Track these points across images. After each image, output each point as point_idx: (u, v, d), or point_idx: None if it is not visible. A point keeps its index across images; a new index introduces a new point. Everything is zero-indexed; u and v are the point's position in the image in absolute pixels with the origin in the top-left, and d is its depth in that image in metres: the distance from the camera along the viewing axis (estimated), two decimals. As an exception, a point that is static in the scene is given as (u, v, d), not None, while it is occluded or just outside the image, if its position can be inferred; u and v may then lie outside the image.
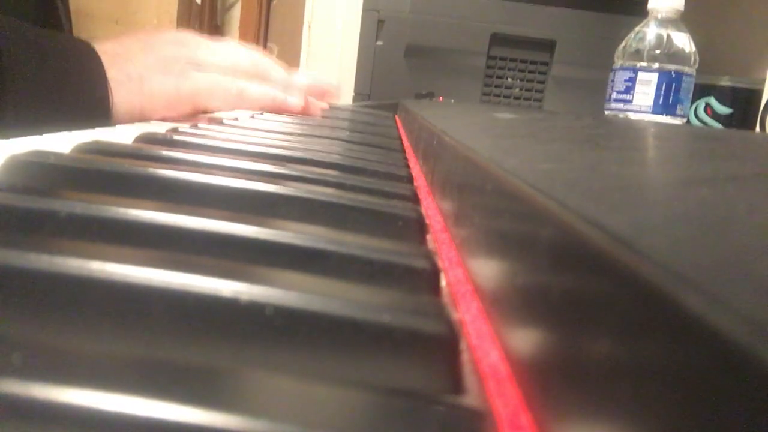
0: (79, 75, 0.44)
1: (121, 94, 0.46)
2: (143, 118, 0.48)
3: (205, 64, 0.51)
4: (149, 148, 0.28)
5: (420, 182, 0.33)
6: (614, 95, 0.94)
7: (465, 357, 0.13)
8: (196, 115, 0.53)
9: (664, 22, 0.90)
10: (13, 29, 0.40)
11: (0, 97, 0.39)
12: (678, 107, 0.90)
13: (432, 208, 0.27)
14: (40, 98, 0.42)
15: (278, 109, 0.56)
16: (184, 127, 0.39)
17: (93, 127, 0.38)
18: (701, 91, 1.04)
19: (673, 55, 0.89)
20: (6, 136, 0.28)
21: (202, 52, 0.52)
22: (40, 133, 0.30)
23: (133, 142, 0.32)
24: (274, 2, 1.79)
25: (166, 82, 0.48)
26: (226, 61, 0.53)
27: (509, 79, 1.14)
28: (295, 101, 0.59)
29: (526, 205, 0.13)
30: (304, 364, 0.12)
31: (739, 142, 0.36)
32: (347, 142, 0.42)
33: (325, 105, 0.71)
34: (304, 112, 0.62)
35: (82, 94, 0.44)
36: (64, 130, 0.34)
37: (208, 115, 0.56)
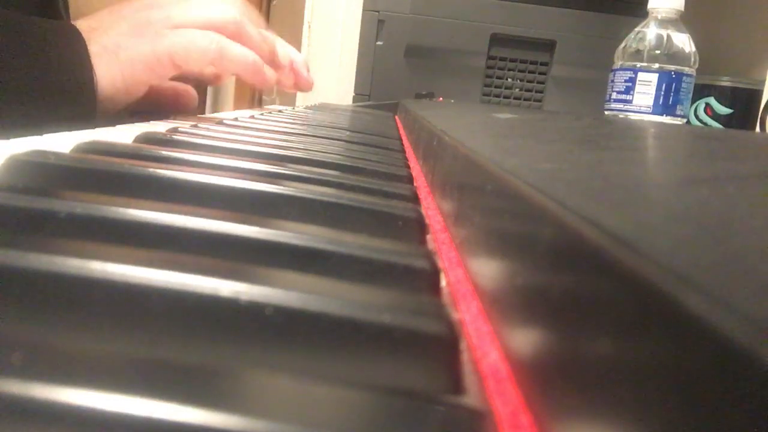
0: (62, 56, 0.44)
1: (100, 67, 0.45)
2: (127, 88, 0.47)
3: (181, 22, 0.49)
4: (149, 148, 0.28)
5: (420, 182, 0.33)
6: (614, 95, 0.94)
7: (465, 357, 0.13)
8: (201, 115, 0.53)
9: (664, 23, 0.90)
10: None
11: None
12: (678, 107, 0.90)
13: (432, 208, 0.27)
14: (26, 82, 0.41)
15: (255, 77, 0.53)
16: (184, 127, 0.39)
17: (80, 109, 0.38)
18: (701, 91, 1.04)
19: (673, 55, 0.89)
20: (5, 136, 0.28)
21: (176, 11, 0.49)
22: (31, 120, 0.30)
23: (133, 142, 0.32)
24: (274, 2, 1.79)
25: (141, 46, 0.47)
26: (202, 18, 0.50)
27: (509, 80, 1.14)
28: (272, 72, 0.54)
29: (526, 205, 0.13)
30: (304, 364, 0.12)
31: (739, 143, 0.36)
32: (347, 142, 0.42)
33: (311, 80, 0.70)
34: (281, 84, 0.59)
35: (67, 74, 0.44)
36: (53, 110, 0.34)
37: (209, 116, 0.56)
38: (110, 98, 0.47)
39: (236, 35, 0.51)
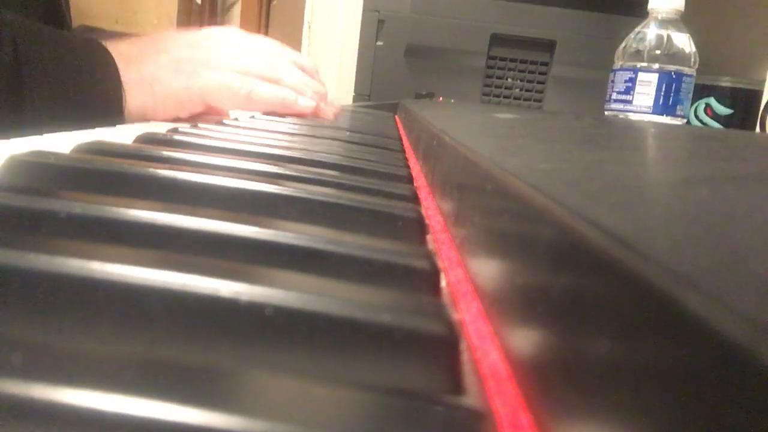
0: (94, 75, 0.45)
1: (133, 95, 0.47)
2: (154, 118, 0.49)
3: (217, 64, 0.52)
4: (149, 148, 0.28)
5: (420, 182, 0.33)
6: (614, 96, 0.94)
7: (465, 357, 0.13)
8: (204, 115, 0.54)
9: (664, 23, 0.90)
10: (27, 29, 0.41)
11: (18, 95, 0.40)
12: (678, 108, 0.90)
13: (432, 209, 0.27)
14: (56, 98, 0.42)
15: (288, 111, 0.57)
16: (184, 127, 0.39)
17: (104, 126, 0.38)
18: (701, 91, 1.04)
19: (673, 55, 0.89)
20: (7, 136, 0.28)
21: (215, 53, 0.52)
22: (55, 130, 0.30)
23: (133, 142, 0.32)
24: (274, 2, 1.79)
25: (176, 82, 0.49)
26: (238, 61, 0.54)
27: (509, 80, 1.14)
28: (305, 103, 0.58)
29: (526, 206, 0.13)
30: (304, 364, 0.12)
31: (739, 143, 0.36)
32: (347, 142, 0.42)
33: (336, 108, 0.71)
34: (315, 114, 0.62)
35: (97, 95, 0.45)
36: (78, 129, 0.34)
37: (209, 116, 0.56)
38: (134, 122, 0.48)
39: (271, 78, 0.55)
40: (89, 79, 0.45)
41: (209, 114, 0.55)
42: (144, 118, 0.48)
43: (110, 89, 0.46)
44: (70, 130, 0.33)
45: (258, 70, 0.55)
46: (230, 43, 0.55)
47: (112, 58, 0.46)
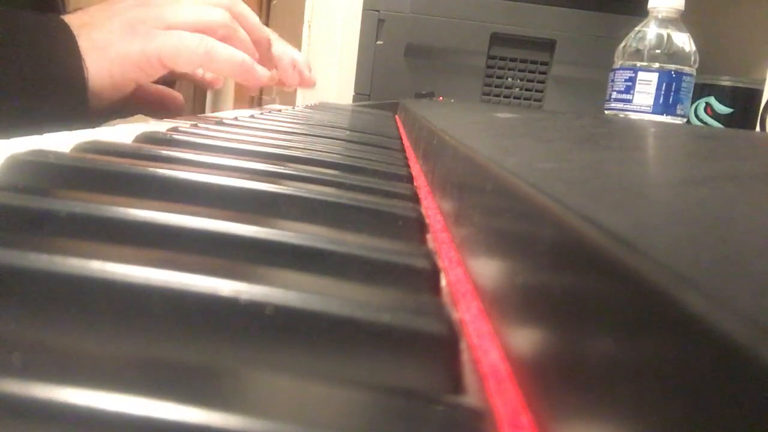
0: (53, 48, 0.44)
1: (89, 63, 0.46)
2: (114, 84, 0.48)
3: (172, 23, 0.49)
4: (149, 147, 0.28)
5: (420, 182, 0.33)
6: (614, 95, 0.94)
7: (465, 356, 0.13)
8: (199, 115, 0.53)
9: (665, 22, 0.90)
10: None
11: None
12: (678, 107, 0.90)
13: (432, 208, 0.27)
14: (17, 75, 0.42)
15: (245, 76, 0.52)
16: (184, 126, 0.39)
17: (71, 101, 0.37)
18: (701, 90, 1.04)
19: (673, 54, 0.89)
20: (6, 136, 0.28)
21: (168, 11, 0.49)
22: (24, 113, 0.30)
23: (133, 141, 0.32)
24: (274, 2, 1.79)
25: (132, 44, 0.47)
26: (194, 19, 0.50)
27: (509, 79, 1.14)
28: (264, 71, 0.53)
29: (526, 205, 0.13)
30: (304, 363, 0.12)
31: (740, 142, 0.36)
32: (347, 141, 0.42)
33: (313, 80, 0.71)
34: (281, 83, 0.59)
35: (57, 68, 0.44)
36: (45, 101, 0.34)
37: (209, 115, 0.56)
38: (98, 94, 0.47)
39: (227, 37, 0.51)
40: (48, 55, 0.43)
41: (175, 80, 0.53)
42: (102, 86, 0.47)
43: (69, 60, 0.44)
44: (37, 110, 0.33)
45: (214, 28, 0.51)
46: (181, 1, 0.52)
47: (70, 29, 0.45)
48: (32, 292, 0.12)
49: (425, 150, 0.37)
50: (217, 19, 0.51)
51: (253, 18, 0.57)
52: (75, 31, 0.45)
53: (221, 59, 0.50)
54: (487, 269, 0.16)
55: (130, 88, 0.50)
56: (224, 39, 0.51)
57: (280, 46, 0.66)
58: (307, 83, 0.70)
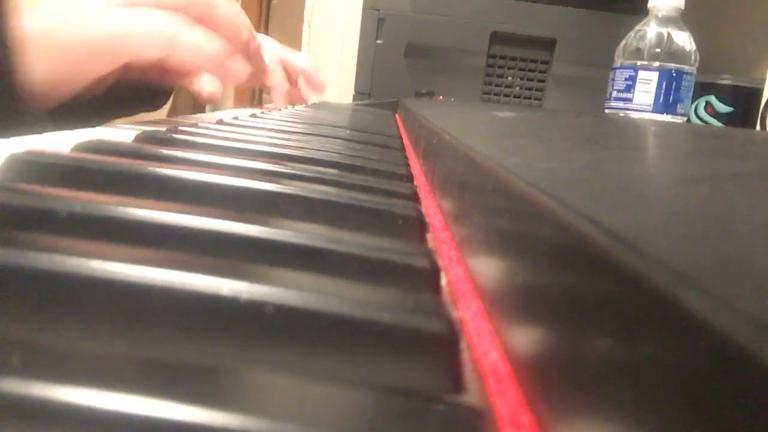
0: None
1: (29, 53, 0.37)
2: (60, 81, 0.39)
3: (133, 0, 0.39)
4: (149, 146, 0.28)
5: (420, 181, 0.33)
6: (615, 94, 0.94)
7: (465, 355, 0.13)
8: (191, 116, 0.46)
9: (665, 21, 0.90)
10: None
11: None
12: (678, 106, 0.90)
13: (432, 207, 0.27)
14: None
15: (216, 71, 0.42)
16: (184, 126, 0.39)
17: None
18: (702, 89, 1.04)
19: (673, 53, 0.89)
20: (4, 136, 0.27)
21: None
22: None
23: (133, 140, 0.32)
24: (275, 1, 1.79)
25: (83, 30, 0.38)
26: None
27: (509, 78, 1.14)
28: (239, 67, 0.43)
29: (526, 204, 0.13)
30: (303, 363, 0.12)
31: (740, 141, 0.36)
32: (347, 140, 0.42)
33: (308, 97, 0.66)
34: (292, 99, 0.50)
35: None
36: None
37: (209, 115, 0.56)
38: (38, 93, 0.38)
39: (203, 17, 0.42)
40: None
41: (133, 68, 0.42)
42: (54, 81, 0.39)
43: None
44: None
45: (186, 6, 0.41)
46: None
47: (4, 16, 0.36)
48: (32, 292, 0.12)
49: (425, 149, 0.37)
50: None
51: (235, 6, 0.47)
52: (16, 17, 0.36)
53: (188, 47, 0.40)
54: (488, 268, 0.16)
55: (81, 84, 0.41)
56: (198, 21, 0.42)
57: (292, 58, 0.61)
58: (319, 90, 0.66)
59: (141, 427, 0.09)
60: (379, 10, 1.11)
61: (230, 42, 0.43)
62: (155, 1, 0.40)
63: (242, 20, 0.47)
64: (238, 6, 0.47)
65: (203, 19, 0.42)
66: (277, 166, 0.26)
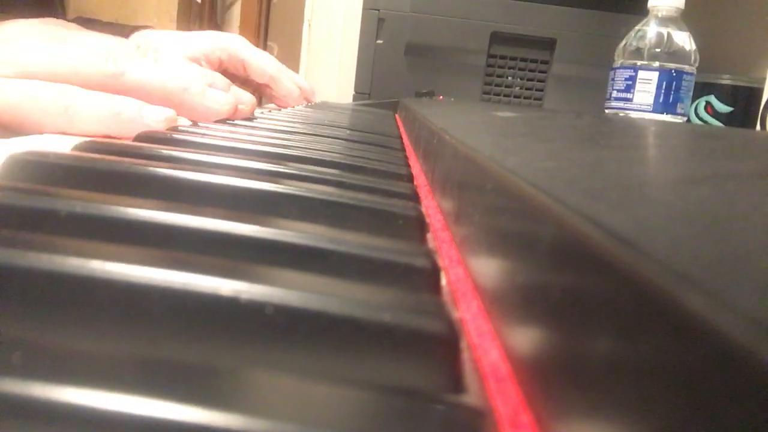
0: None
1: None
2: None
3: (23, 66, 0.35)
4: (149, 146, 0.28)
5: (420, 181, 0.33)
6: (615, 94, 0.94)
7: (465, 356, 0.13)
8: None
9: (665, 21, 0.90)
10: None
11: None
12: (678, 106, 0.90)
13: (432, 207, 0.27)
14: None
15: (128, 128, 0.35)
16: (184, 125, 0.39)
17: None
18: (702, 89, 1.04)
19: (673, 53, 0.89)
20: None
21: (21, 51, 0.35)
22: None
23: (134, 140, 0.32)
24: (275, 1, 1.79)
25: None
26: (56, 59, 0.36)
27: (509, 78, 1.14)
28: (157, 116, 0.36)
29: (526, 204, 0.13)
30: (304, 363, 0.12)
31: (740, 141, 0.36)
32: (347, 140, 0.42)
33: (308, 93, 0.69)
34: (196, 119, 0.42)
35: None
36: None
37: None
38: None
39: (110, 77, 0.37)
40: None
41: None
42: None
43: None
44: None
45: (87, 71, 0.36)
46: (49, 36, 0.37)
47: None
48: (32, 292, 0.12)
49: (425, 149, 0.37)
50: (90, 58, 0.36)
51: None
52: None
53: (85, 117, 0.35)
54: (488, 268, 0.16)
55: None
56: (108, 81, 0.37)
57: (286, 81, 0.63)
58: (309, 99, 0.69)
59: (141, 427, 0.09)
60: (379, 10, 1.11)
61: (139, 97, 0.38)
62: (47, 70, 0.36)
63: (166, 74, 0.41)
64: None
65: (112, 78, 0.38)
66: (277, 166, 0.26)
